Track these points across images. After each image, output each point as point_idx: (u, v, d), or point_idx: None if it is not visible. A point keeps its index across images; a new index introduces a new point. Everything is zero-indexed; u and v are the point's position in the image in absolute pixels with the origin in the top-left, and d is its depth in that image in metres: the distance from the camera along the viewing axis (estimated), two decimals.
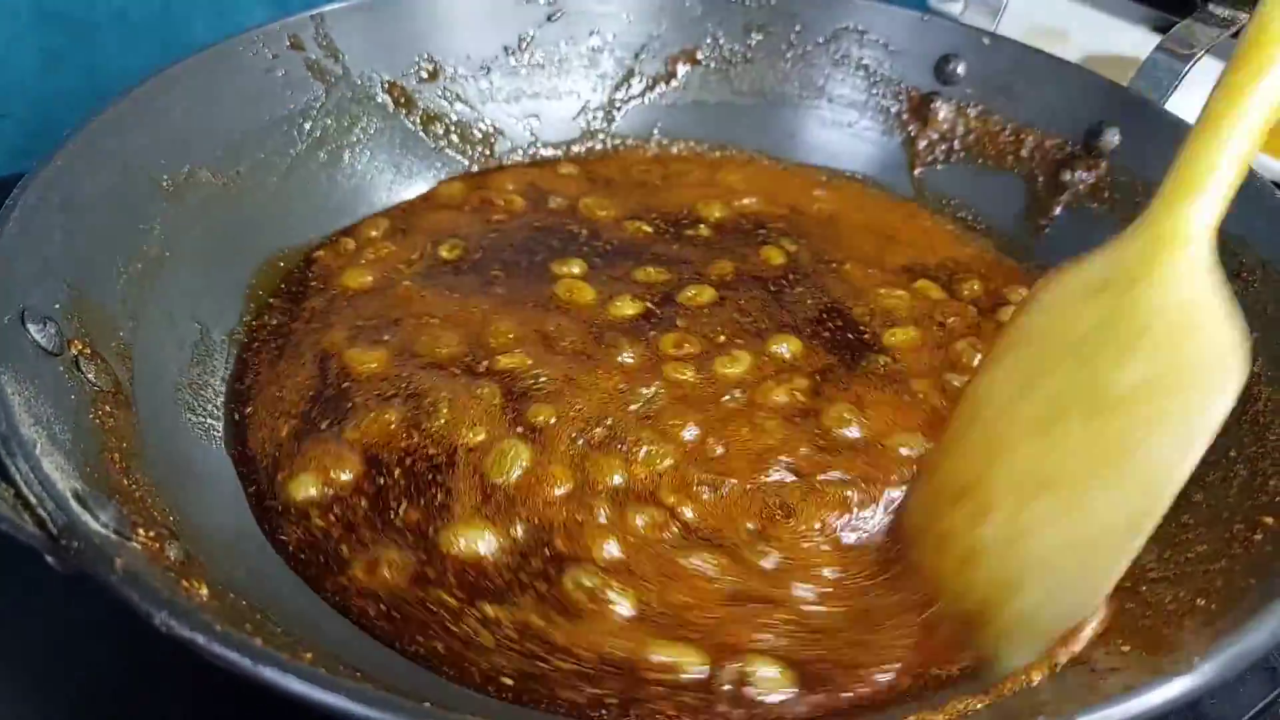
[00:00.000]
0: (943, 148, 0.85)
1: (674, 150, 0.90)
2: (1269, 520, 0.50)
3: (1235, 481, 0.55)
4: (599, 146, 0.90)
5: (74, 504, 0.42)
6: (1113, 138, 0.75)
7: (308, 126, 0.77)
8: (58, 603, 0.57)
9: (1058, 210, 0.78)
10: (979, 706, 0.47)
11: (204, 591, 0.43)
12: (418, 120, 0.83)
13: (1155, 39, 0.77)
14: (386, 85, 0.82)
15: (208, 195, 0.69)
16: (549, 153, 0.89)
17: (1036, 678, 0.48)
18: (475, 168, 0.86)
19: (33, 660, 0.56)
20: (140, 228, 0.63)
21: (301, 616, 0.50)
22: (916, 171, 0.86)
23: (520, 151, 0.88)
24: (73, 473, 0.45)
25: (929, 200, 0.85)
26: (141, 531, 0.44)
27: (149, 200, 0.65)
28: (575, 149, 0.89)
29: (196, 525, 0.51)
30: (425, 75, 0.84)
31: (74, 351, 0.53)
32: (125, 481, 0.49)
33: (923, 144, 0.86)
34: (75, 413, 0.50)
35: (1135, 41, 1.19)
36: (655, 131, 0.90)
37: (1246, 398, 0.59)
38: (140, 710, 0.55)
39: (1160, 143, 0.72)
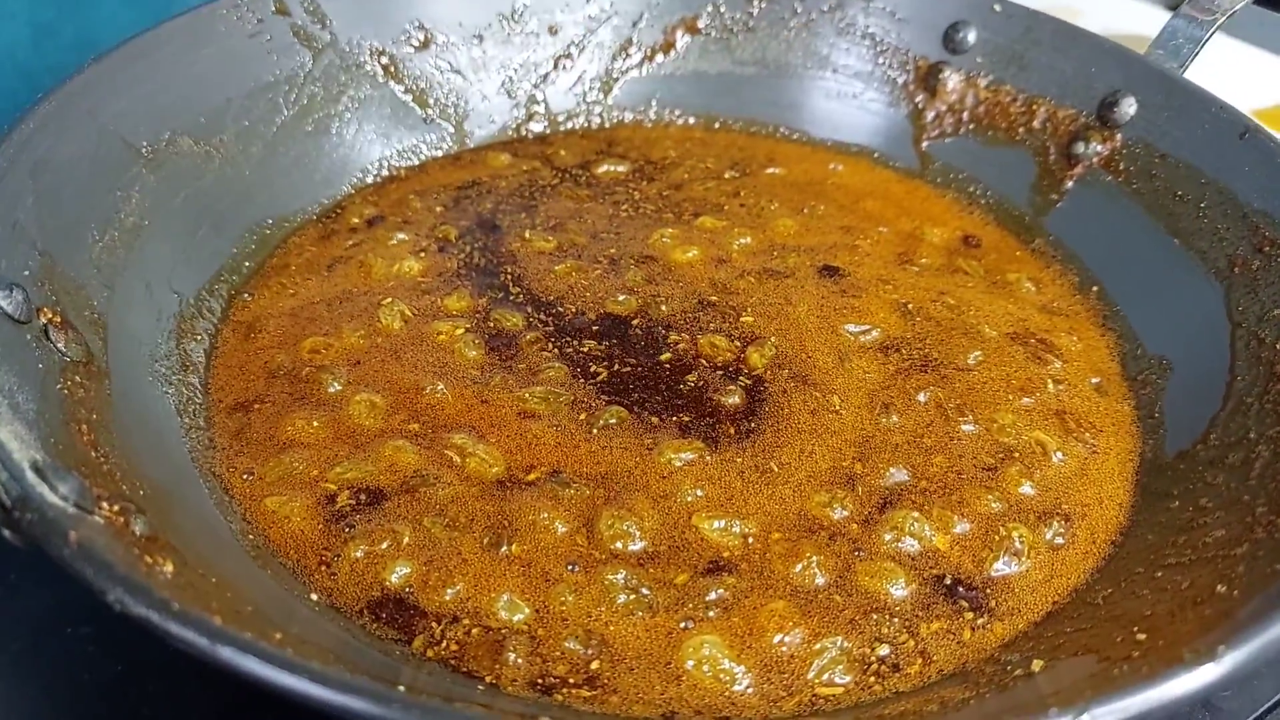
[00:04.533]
0: (951, 120, 0.82)
1: (678, 123, 0.88)
2: None
3: (1257, 463, 0.52)
4: (596, 120, 0.87)
5: (30, 475, 0.39)
6: (1128, 108, 0.72)
7: (294, 95, 0.74)
8: (38, 587, 0.56)
9: (1070, 184, 0.75)
10: (966, 697, 0.45)
11: (169, 568, 0.41)
12: (407, 90, 0.81)
13: (1168, 17, 0.74)
14: (375, 53, 0.79)
15: (189, 163, 0.67)
16: (542, 126, 0.86)
17: (1038, 666, 0.45)
18: (468, 140, 0.83)
19: (10, 644, 0.54)
20: (117, 194, 0.61)
21: (274, 595, 0.48)
22: (923, 144, 0.83)
23: (514, 124, 0.85)
24: (34, 443, 0.43)
25: (935, 173, 0.82)
26: (105, 505, 0.42)
27: (127, 167, 0.62)
28: (571, 123, 0.87)
29: (168, 497, 0.49)
30: (416, 43, 0.81)
31: (44, 320, 0.51)
32: (93, 454, 0.47)
33: (930, 115, 0.83)
34: (42, 382, 0.48)
35: (1149, 19, 1.16)
36: (653, 103, 0.88)
37: (1269, 375, 0.57)
38: (123, 697, 0.53)
39: (1178, 113, 0.70)
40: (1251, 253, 0.62)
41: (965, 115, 0.81)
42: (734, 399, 0.61)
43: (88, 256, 0.57)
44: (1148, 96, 0.71)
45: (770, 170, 0.82)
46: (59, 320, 0.52)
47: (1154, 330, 0.66)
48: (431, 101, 0.82)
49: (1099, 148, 0.74)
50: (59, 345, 0.51)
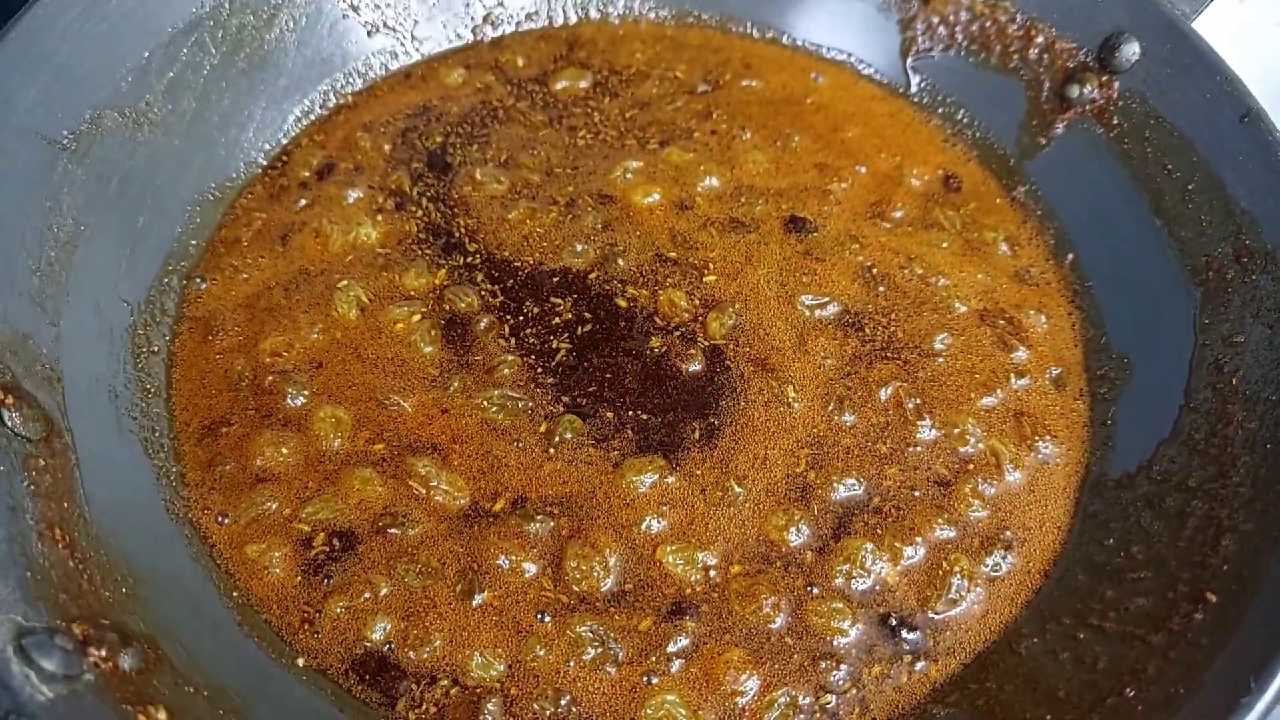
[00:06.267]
0: (943, 31, 0.75)
1: (649, 18, 0.80)
2: (1212, 596, 0.50)
3: (1190, 521, 0.55)
4: (558, 17, 0.79)
5: (15, 665, 0.41)
6: (1131, 53, 0.66)
7: (220, 31, 0.67)
8: None
9: (1060, 128, 0.71)
10: None
11: (161, 717, 0.44)
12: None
13: None
14: None
15: (118, 141, 0.62)
16: (498, 29, 0.78)
17: None
18: (419, 50, 0.76)
19: None
20: (47, 205, 0.57)
21: (261, 672, 0.52)
22: (911, 59, 0.76)
23: (469, 27, 0.78)
24: (12, 593, 0.44)
25: (922, 94, 0.77)
26: (93, 651, 0.44)
27: (51, 167, 0.58)
28: (531, 23, 0.79)
29: (150, 575, 0.51)
30: None
31: None
32: (71, 562, 0.48)
33: (921, 25, 0.75)
34: (9, 491, 0.48)
35: None
36: None
37: (1220, 416, 0.58)
38: None
39: (1181, 72, 0.65)
40: (1229, 259, 0.61)
41: (959, 31, 0.74)
42: (695, 365, 0.63)
43: (27, 294, 0.55)
44: (1153, 45, 0.65)
45: (746, 83, 0.77)
46: (11, 399, 0.51)
47: (1120, 320, 0.65)
48: (376, 10, 0.74)
49: (1094, 93, 0.68)
50: (16, 427, 0.50)
